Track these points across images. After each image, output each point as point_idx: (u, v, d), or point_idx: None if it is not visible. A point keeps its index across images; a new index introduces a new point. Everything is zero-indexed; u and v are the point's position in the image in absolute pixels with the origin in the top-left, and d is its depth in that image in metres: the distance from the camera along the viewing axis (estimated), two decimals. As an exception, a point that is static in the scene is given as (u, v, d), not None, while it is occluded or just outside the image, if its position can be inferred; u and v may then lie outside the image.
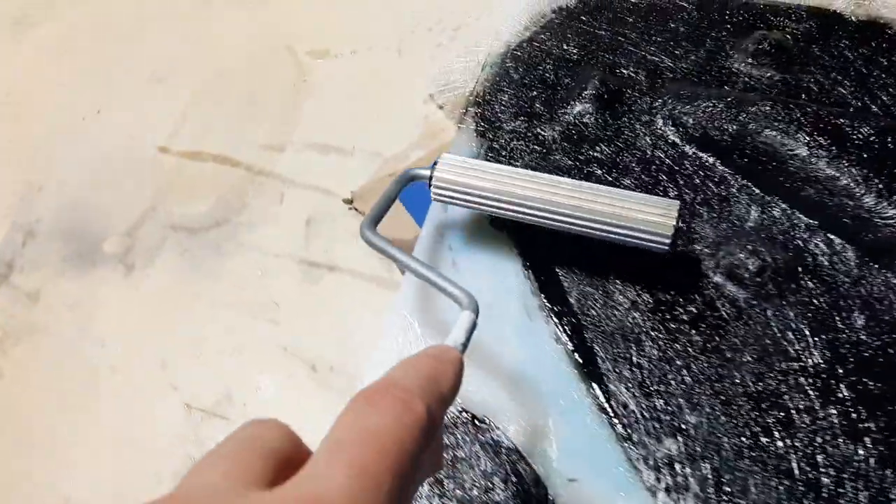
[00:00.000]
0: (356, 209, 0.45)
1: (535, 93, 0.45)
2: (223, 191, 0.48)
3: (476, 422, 0.36)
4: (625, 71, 0.45)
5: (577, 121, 0.43)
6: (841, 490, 0.33)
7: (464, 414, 0.37)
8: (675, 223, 0.34)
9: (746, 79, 0.43)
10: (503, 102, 0.45)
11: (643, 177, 0.42)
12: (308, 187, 0.47)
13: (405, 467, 0.19)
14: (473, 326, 0.30)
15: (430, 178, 0.37)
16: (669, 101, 0.42)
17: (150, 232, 0.47)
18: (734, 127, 0.40)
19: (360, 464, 0.18)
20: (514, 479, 0.35)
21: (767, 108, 0.39)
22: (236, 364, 0.41)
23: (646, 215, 0.35)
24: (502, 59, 0.47)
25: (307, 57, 0.52)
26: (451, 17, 0.51)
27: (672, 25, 0.46)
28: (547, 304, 0.39)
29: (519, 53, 0.47)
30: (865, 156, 0.37)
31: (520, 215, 0.37)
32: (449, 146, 0.45)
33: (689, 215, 0.40)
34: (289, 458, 0.20)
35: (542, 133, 0.44)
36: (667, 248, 0.35)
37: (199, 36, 0.54)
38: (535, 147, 0.43)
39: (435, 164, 0.37)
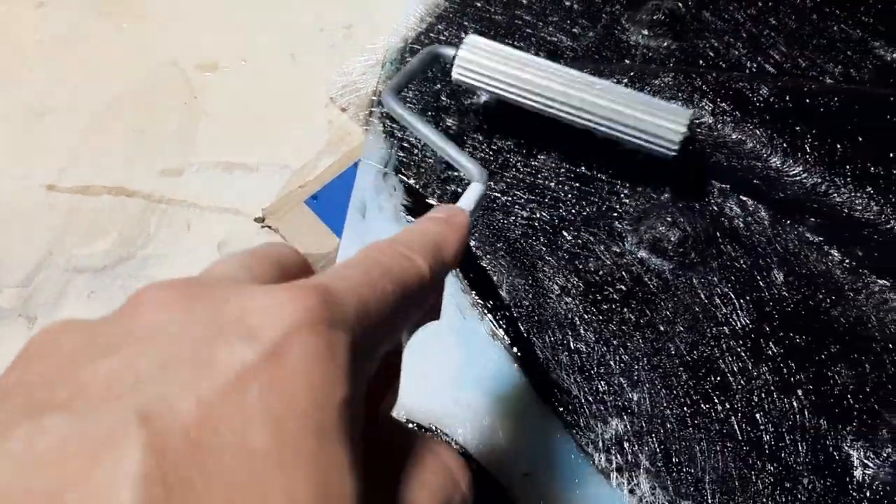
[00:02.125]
0: (269, 227, 0.43)
1: (438, 86, 0.44)
2: (123, 224, 0.45)
3: (423, 431, 0.36)
4: (526, 54, 0.44)
5: (483, 110, 0.42)
6: (781, 444, 0.34)
7: (409, 426, 0.36)
8: (684, 130, 0.36)
9: (645, 50, 0.44)
10: (408, 99, 0.44)
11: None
12: (215, 210, 0.44)
13: (403, 306, 0.21)
14: (482, 196, 0.32)
15: (454, 57, 0.39)
16: (573, 80, 0.42)
17: (50, 278, 0.44)
18: (639, 101, 0.40)
19: (367, 281, 0.20)
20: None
21: (669, 79, 0.39)
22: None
23: (660, 120, 0.36)
24: (401, 54, 0.46)
25: (196, 71, 0.49)
26: (340, 16, 0.49)
27: (566, 3, 0.46)
28: (479, 300, 0.39)
29: (418, 47, 0.45)
30: (767, 117, 0.38)
31: (537, 104, 0.38)
32: (359, 150, 0.44)
33: (606, 192, 0.40)
34: (296, 275, 0.21)
35: (452, 126, 0.43)
36: (674, 153, 0.36)
37: (74, 63, 0.50)
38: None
39: (459, 43, 0.39)
